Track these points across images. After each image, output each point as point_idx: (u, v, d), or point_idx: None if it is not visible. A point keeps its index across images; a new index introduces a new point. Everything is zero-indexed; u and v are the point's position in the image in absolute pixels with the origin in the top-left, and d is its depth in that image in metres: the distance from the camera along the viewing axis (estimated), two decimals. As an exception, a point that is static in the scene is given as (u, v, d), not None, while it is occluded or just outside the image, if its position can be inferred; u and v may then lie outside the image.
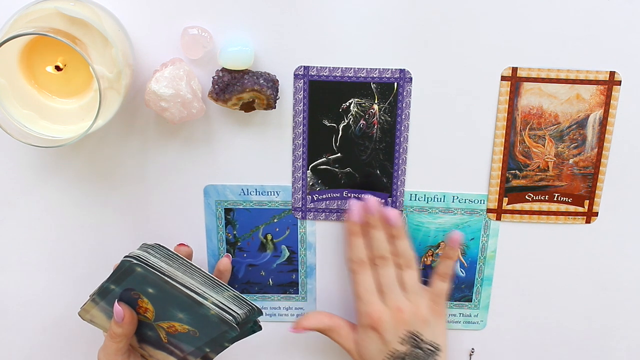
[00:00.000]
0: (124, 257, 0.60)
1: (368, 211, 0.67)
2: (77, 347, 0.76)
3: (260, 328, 0.66)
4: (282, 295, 0.74)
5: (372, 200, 0.67)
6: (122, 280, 0.61)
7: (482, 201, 0.70)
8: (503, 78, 0.65)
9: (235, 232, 0.72)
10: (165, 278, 0.60)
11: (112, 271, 0.62)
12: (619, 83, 0.65)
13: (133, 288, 0.61)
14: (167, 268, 0.61)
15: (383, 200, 0.70)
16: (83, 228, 0.71)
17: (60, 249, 0.72)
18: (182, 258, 0.62)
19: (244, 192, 0.70)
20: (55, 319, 0.74)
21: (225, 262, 0.69)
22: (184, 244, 0.68)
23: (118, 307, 0.62)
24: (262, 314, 0.65)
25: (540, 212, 0.70)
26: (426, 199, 0.70)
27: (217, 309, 0.60)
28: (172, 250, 0.63)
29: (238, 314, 0.62)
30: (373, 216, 0.67)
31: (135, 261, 0.59)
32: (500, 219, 0.70)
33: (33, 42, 0.59)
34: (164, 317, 0.63)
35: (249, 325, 0.65)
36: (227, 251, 0.72)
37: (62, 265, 0.73)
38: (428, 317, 0.67)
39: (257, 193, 0.70)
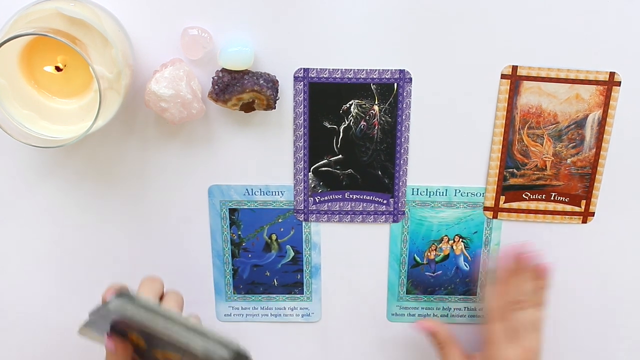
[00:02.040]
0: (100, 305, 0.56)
1: (519, 257, 0.67)
2: (78, 347, 0.75)
3: None
4: (287, 295, 0.74)
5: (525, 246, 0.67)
6: (108, 320, 0.58)
7: (484, 194, 0.70)
8: (503, 76, 0.65)
9: (239, 233, 0.71)
10: (150, 327, 0.56)
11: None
12: (619, 84, 0.65)
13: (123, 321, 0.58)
14: (147, 316, 0.56)
15: (385, 201, 0.70)
16: (84, 228, 0.71)
17: (60, 249, 0.72)
18: (158, 308, 0.58)
19: (248, 192, 0.70)
20: (56, 319, 0.74)
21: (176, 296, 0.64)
22: (175, 292, 0.65)
23: (109, 342, 0.59)
24: (248, 357, 0.59)
25: (537, 212, 0.70)
26: (428, 193, 0.70)
27: (204, 352, 0.56)
28: (147, 301, 0.58)
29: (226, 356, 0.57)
30: (523, 260, 0.67)
31: (117, 316, 0.56)
32: (496, 217, 0.70)
33: (33, 42, 0.58)
34: (157, 347, 0.60)
35: None
36: (232, 252, 0.72)
37: (63, 265, 0.72)
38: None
39: (262, 193, 0.70)
